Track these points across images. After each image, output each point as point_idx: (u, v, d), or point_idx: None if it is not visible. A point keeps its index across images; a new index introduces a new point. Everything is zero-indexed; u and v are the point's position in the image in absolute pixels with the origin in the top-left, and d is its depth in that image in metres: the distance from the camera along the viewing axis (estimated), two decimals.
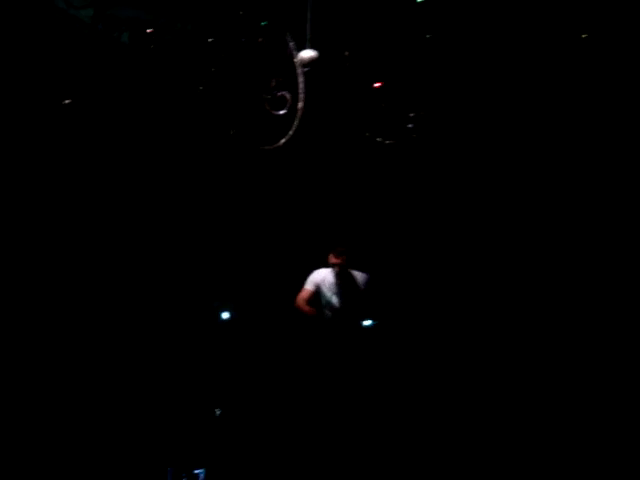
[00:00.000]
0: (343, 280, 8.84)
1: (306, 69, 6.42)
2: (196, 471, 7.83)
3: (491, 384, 8.68)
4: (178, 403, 8.51)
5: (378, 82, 7.99)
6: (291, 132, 6.56)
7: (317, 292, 8.89)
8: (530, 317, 9.05)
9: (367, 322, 8.82)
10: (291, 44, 6.52)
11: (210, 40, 6.95)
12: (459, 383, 8.76)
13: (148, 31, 7.55)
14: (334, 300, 8.88)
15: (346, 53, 7.58)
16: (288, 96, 6.49)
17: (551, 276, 9.14)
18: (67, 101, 8.43)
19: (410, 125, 8.05)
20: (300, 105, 6.46)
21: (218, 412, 8.42)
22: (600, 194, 9.00)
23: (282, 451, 8.02)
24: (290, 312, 8.98)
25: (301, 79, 6.48)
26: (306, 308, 8.82)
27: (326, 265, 8.87)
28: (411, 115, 8.06)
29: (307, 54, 6.42)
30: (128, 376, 8.67)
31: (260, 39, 6.77)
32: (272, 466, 7.86)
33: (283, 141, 6.63)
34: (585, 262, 9.02)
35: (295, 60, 6.46)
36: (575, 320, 8.81)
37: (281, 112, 6.53)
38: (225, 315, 9.27)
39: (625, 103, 8.55)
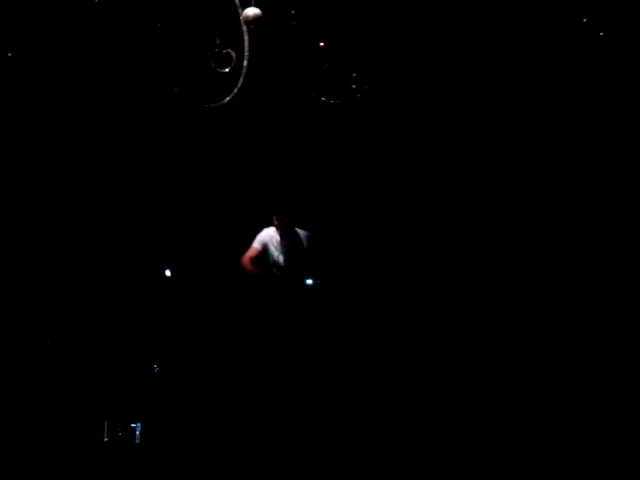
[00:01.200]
0: (288, 240, 8.88)
1: (251, 27, 6.38)
2: (132, 425, 7.85)
3: (431, 353, 8.76)
4: (115, 358, 8.49)
5: (322, 42, 7.98)
6: (236, 90, 6.53)
7: (264, 251, 8.92)
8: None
9: (309, 281, 8.87)
10: (236, 1, 6.48)
11: None
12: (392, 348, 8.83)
13: None
14: (280, 259, 8.92)
15: (292, 11, 7.56)
16: (233, 54, 6.46)
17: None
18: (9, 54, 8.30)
19: (354, 85, 8.06)
20: (245, 63, 6.44)
21: (156, 368, 8.42)
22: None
23: (219, 410, 8.04)
24: (236, 270, 8.99)
25: (246, 37, 6.44)
26: (250, 267, 8.83)
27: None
28: (354, 75, 8.06)
29: (252, 12, 6.38)
30: (66, 329, 8.63)
31: None
32: (209, 424, 7.88)
33: (227, 99, 6.61)
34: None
35: (240, 17, 6.42)
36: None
37: (226, 70, 6.50)
38: (168, 272, 9.25)
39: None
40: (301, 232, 8.96)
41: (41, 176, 9.23)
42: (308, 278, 8.87)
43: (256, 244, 8.93)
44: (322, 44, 7.91)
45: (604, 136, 8.89)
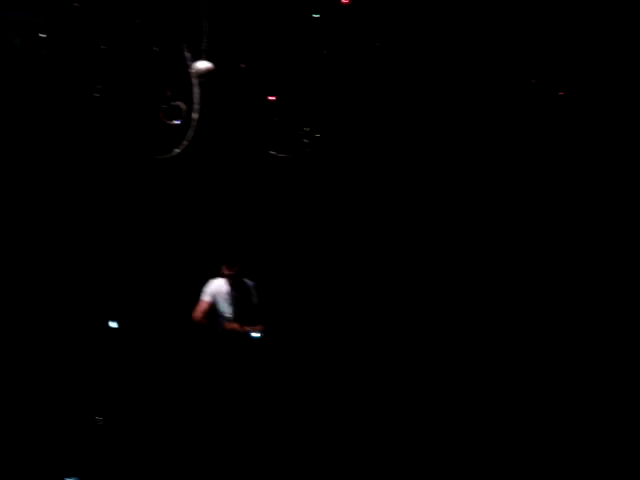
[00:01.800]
0: (236, 290, 8.86)
1: (202, 80, 6.43)
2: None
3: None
4: (57, 410, 8.38)
5: (273, 96, 8.04)
6: (185, 142, 6.56)
7: (214, 302, 8.89)
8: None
9: (255, 334, 8.84)
10: (187, 55, 6.53)
11: (103, 47, 6.89)
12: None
13: (41, 36, 7.45)
14: (228, 310, 8.89)
15: (242, 65, 7.62)
16: (183, 106, 6.49)
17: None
18: None
19: (304, 139, 8.12)
20: (195, 115, 6.47)
21: (100, 420, 8.32)
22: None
23: (165, 464, 7.96)
24: (185, 321, 8.95)
25: (196, 90, 6.49)
26: (202, 321, 8.81)
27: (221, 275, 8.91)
28: (305, 130, 8.13)
29: (203, 65, 6.44)
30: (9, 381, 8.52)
31: (156, 48, 6.75)
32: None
33: (177, 151, 6.62)
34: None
35: (191, 71, 6.47)
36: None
37: (176, 122, 6.53)
38: (113, 324, 9.16)
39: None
40: (249, 282, 8.97)
41: None
42: (254, 331, 8.86)
43: (205, 297, 8.89)
44: (272, 98, 7.97)
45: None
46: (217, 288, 8.85)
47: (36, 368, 8.74)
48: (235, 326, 8.76)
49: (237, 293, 8.85)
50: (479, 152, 9.31)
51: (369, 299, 9.67)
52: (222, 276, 8.84)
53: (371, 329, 9.47)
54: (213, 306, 8.84)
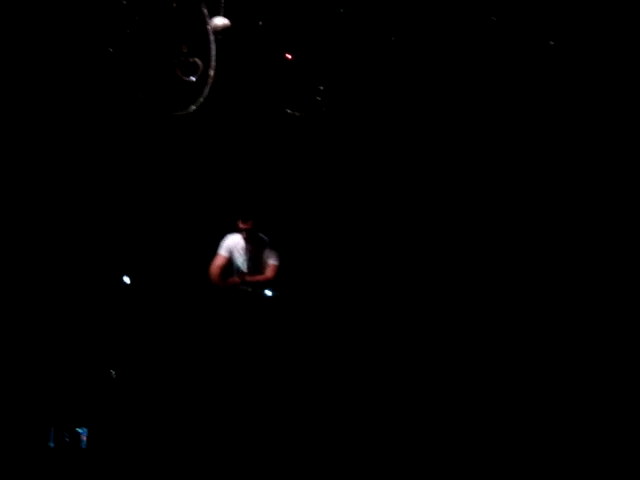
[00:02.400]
0: (252, 245, 8.89)
1: (219, 37, 6.40)
2: (79, 430, 7.79)
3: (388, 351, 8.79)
4: (65, 362, 8.43)
5: (289, 54, 8.00)
6: (201, 99, 6.54)
7: (230, 258, 8.93)
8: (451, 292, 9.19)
9: (268, 292, 8.87)
10: (204, 10, 6.49)
11: (124, 2, 6.85)
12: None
13: None
14: (244, 266, 8.93)
15: (259, 23, 7.57)
16: (200, 63, 6.46)
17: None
18: None
19: (319, 98, 8.09)
20: (211, 72, 6.45)
21: (114, 374, 8.37)
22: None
23: (173, 416, 8.01)
24: (201, 278, 8.97)
25: (213, 46, 6.46)
26: (217, 278, 8.84)
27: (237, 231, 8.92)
28: (321, 88, 8.09)
29: (220, 21, 6.41)
30: (19, 331, 8.57)
31: (174, 4, 6.71)
32: (160, 430, 7.85)
33: (193, 108, 6.61)
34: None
35: (208, 27, 6.44)
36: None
37: (192, 78, 6.50)
38: (127, 279, 9.20)
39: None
40: (264, 237, 8.99)
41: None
42: (268, 288, 8.88)
43: (222, 251, 8.94)
44: (289, 56, 7.93)
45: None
46: (233, 243, 8.90)
47: (50, 321, 8.81)
48: (237, 279, 8.77)
49: (252, 248, 8.88)
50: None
51: (380, 258, 9.67)
52: (238, 231, 8.86)
53: (380, 293, 9.47)
54: (229, 261, 8.88)
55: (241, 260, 8.92)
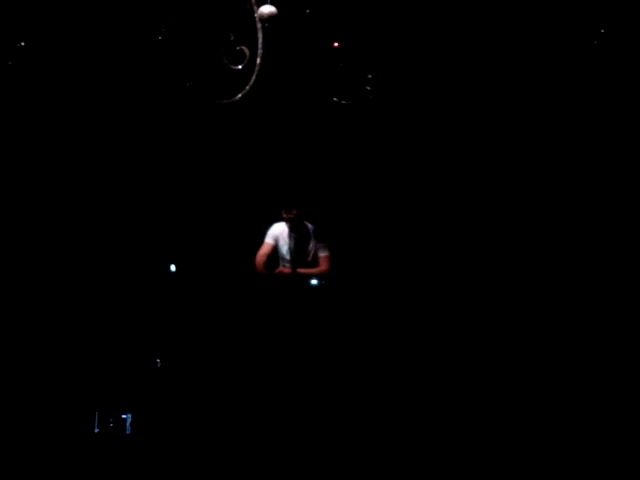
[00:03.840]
0: (297, 233, 8.89)
1: (266, 25, 6.38)
2: (123, 416, 7.86)
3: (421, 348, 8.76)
4: (109, 349, 8.50)
5: (337, 42, 7.97)
6: (248, 87, 6.53)
7: (276, 246, 8.95)
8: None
9: (314, 281, 8.85)
10: None
11: None
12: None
13: None
14: (288, 254, 8.94)
15: (307, 11, 7.55)
16: (247, 51, 6.46)
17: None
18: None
19: (367, 87, 8.05)
20: (258, 61, 6.44)
21: (159, 362, 8.42)
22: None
23: (216, 405, 8.03)
24: (248, 267, 9.00)
25: (260, 34, 6.45)
26: (262, 267, 8.86)
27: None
28: (369, 77, 8.05)
29: (267, 9, 6.39)
30: (62, 320, 8.65)
31: None
32: (205, 419, 7.88)
33: (240, 96, 6.60)
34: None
35: (255, 15, 6.42)
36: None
37: (239, 67, 6.50)
38: (173, 267, 9.23)
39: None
40: (310, 226, 8.98)
41: (48, 166, 9.24)
42: (310, 274, 8.86)
43: (268, 239, 8.97)
44: (336, 44, 7.90)
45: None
46: (279, 231, 8.91)
47: (97, 308, 8.88)
48: (288, 270, 8.78)
49: (297, 236, 8.88)
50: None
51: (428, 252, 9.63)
52: (283, 220, 8.88)
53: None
54: (275, 250, 8.89)
55: (285, 248, 8.93)
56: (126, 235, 9.44)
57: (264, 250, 8.91)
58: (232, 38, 6.51)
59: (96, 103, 9.19)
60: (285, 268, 8.88)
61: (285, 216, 8.80)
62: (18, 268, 8.86)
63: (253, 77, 6.49)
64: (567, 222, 9.13)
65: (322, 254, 8.90)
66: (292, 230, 8.88)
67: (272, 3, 6.45)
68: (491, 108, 9.18)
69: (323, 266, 8.90)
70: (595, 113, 8.76)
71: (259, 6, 6.43)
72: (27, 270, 8.89)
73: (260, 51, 6.44)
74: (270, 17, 6.37)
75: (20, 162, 9.05)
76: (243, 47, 6.49)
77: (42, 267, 8.96)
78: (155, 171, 9.59)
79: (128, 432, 7.86)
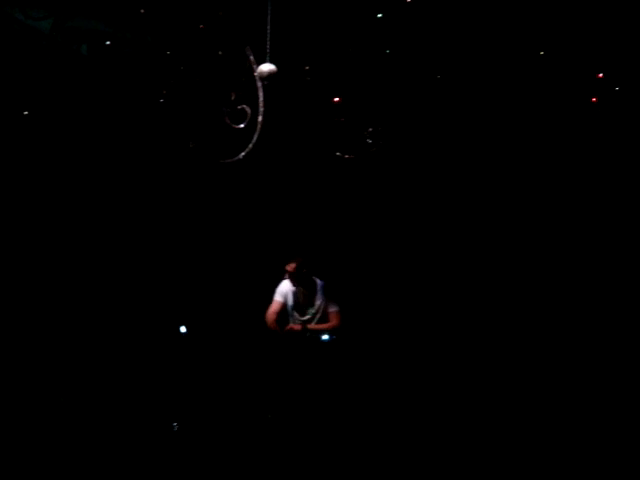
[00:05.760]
0: (301, 288, 8.88)
1: (266, 83, 6.42)
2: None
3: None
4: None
5: (337, 97, 8.01)
6: (251, 145, 6.56)
7: (285, 303, 8.94)
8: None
9: (325, 337, 8.81)
10: (251, 57, 6.52)
11: (169, 53, 6.92)
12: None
13: (107, 43, 7.53)
14: (296, 311, 8.92)
15: (306, 67, 7.60)
16: (248, 109, 6.49)
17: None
18: (25, 113, 8.38)
19: (369, 140, 8.08)
20: (260, 119, 6.47)
21: (175, 426, 8.36)
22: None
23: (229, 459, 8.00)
24: (258, 325, 8.98)
25: (261, 93, 6.48)
26: (273, 324, 8.85)
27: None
28: (370, 130, 8.08)
29: (267, 68, 6.42)
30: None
31: (220, 52, 6.76)
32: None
33: (243, 154, 6.63)
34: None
35: (255, 74, 6.46)
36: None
37: (241, 125, 6.53)
38: (183, 329, 9.20)
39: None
40: (318, 281, 8.96)
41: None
42: (324, 333, 8.83)
43: (277, 297, 8.96)
44: (337, 99, 7.95)
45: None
46: (287, 288, 8.89)
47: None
48: (298, 327, 8.75)
49: (302, 291, 8.87)
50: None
51: (439, 300, 9.63)
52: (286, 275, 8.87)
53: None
54: (285, 307, 8.88)
55: (293, 305, 8.92)
56: (137, 296, 9.48)
57: (273, 308, 8.91)
58: (233, 97, 6.54)
59: (100, 167, 9.26)
60: (295, 325, 8.85)
61: (287, 269, 8.81)
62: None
63: (255, 135, 6.52)
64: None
65: (332, 309, 8.88)
66: (295, 284, 8.86)
67: (271, 61, 6.49)
68: (493, 162, 9.26)
69: (333, 321, 8.88)
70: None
71: (259, 64, 6.46)
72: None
73: (262, 109, 6.47)
74: (270, 75, 6.40)
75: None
76: (244, 106, 6.51)
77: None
78: (161, 229, 9.64)
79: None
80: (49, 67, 8.24)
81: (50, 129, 8.87)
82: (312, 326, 8.83)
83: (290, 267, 8.78)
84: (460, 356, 9.18)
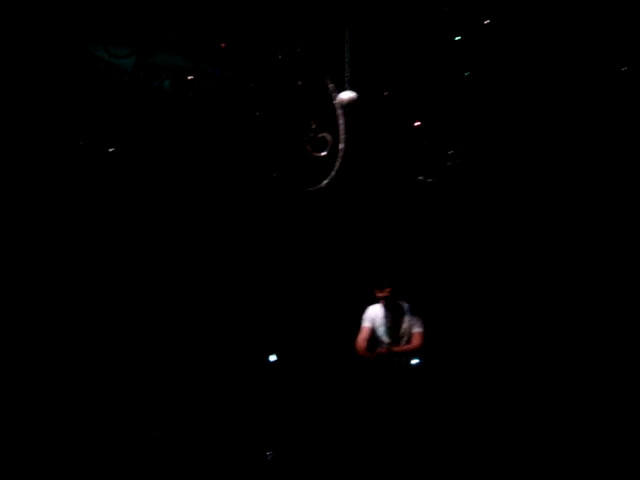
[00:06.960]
0: (391, 313, 8.89)
1: (346, 109, 6.46)
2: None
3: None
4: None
5: (418, 121, 8.02)
6: (333, 173, 6.60)
7: (373, 328, 8.96)
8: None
9: (414, 360, 8.79)
10: (330, 86, 6.57)
11: (252, 85, 7.02)
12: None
13: (189, 78, 7.65)
14: (384, 335, 8.92)
15: (385, 93, 7.62)
16: (329, 137, 6.53)
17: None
18: (111, 149, 8.55)
19: (450, 163, 8.06)
20: (341, 146, 6.51)
21: (270, 455, 8.42)
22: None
23: None
24: (346, 351, 9.03)
25: (341, 120, 6.52)
26: (363, 351, 8.87)
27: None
28: (450, 153, 8.07)
29: (346, 95, 6.47)
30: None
31: (300, 82, 6.82)
32: None
33: (325, 182, 6.67)
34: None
35: (335, 101, 6.51)
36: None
37: (322, 153, 6.57)
38: (273, 357, 9.27)
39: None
40: (404, 304, 8.96)
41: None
42: (413, 357, 8.81)
43: (366, 323, 8.99)
44: (417, 123, 7.96)
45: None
46: (374, 313, 8.92)
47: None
48: (384, 350, 8.74)
49: (392, 315, 8.87)
50: None
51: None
52: (377, 301, 8.88)
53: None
54: (373, 332, 8.89)
55: (382, 330, 8.92)
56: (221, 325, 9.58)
57: (363, 335, 8.93)
58: (314, 126, 6.59)
59: (187, 200, 9.40)
60: (382, 349, 8.85)
61: (378, 295, 8.82)
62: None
63: (337, 162, 6.55)
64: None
65: (416, 330, 8.87)
66: (386, 310, 8.87)
67: (350, 88, 6.53)
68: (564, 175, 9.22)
69: (415, 342, 8.87)
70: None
71: (338, 93, 6.51)
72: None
73: (342, 136, 6.51)
74: (350, 102, 6.44)
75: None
76: (325, 134, 6.56)
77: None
78: (247, 262, 9.73)
79: None
80: (133, 103, 8.41)
81: (135, 164, 9.03)
82: (396, 348, 8.82)
83: (383, 292, 8.79)
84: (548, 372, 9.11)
